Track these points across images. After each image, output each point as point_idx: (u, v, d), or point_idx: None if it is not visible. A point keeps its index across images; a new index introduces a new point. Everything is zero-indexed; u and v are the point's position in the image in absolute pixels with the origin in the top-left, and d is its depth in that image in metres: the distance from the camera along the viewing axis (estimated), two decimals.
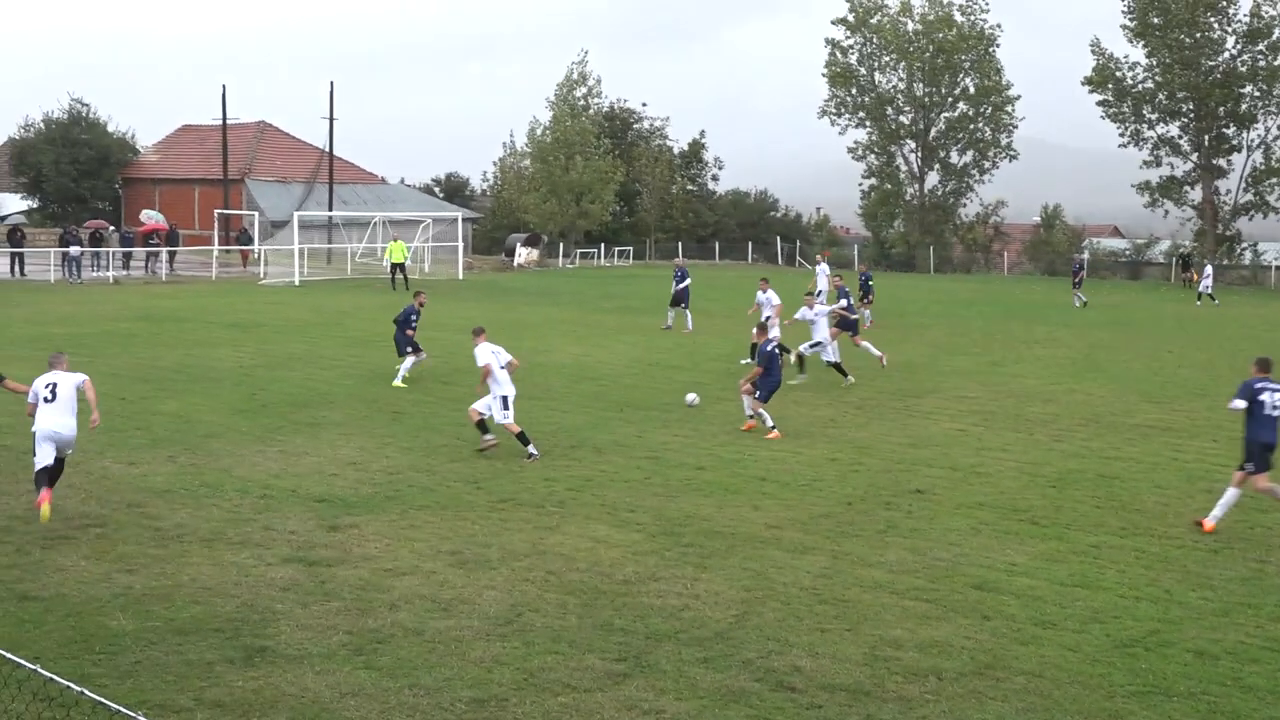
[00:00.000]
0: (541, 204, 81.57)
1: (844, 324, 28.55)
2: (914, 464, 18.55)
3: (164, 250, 56.01)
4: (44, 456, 14.16)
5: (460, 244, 63.28)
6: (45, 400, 14.36)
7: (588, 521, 14.68)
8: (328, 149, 71.83)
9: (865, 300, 39.21)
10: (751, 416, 20.98)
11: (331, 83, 68.15)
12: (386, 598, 11.65)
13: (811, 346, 26.67)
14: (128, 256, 55.46)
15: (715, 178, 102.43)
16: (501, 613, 11.34)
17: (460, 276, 59.55)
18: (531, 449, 18.03)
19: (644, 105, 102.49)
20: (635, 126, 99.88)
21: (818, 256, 55.97)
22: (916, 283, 67.66)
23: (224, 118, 71.37)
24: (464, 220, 70.12)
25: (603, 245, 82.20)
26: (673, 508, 15.46)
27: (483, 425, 18.40)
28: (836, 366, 26.43)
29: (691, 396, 23.55)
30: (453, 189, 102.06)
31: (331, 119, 69.53)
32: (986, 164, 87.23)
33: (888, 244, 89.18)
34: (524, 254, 73.40)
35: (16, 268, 51.78)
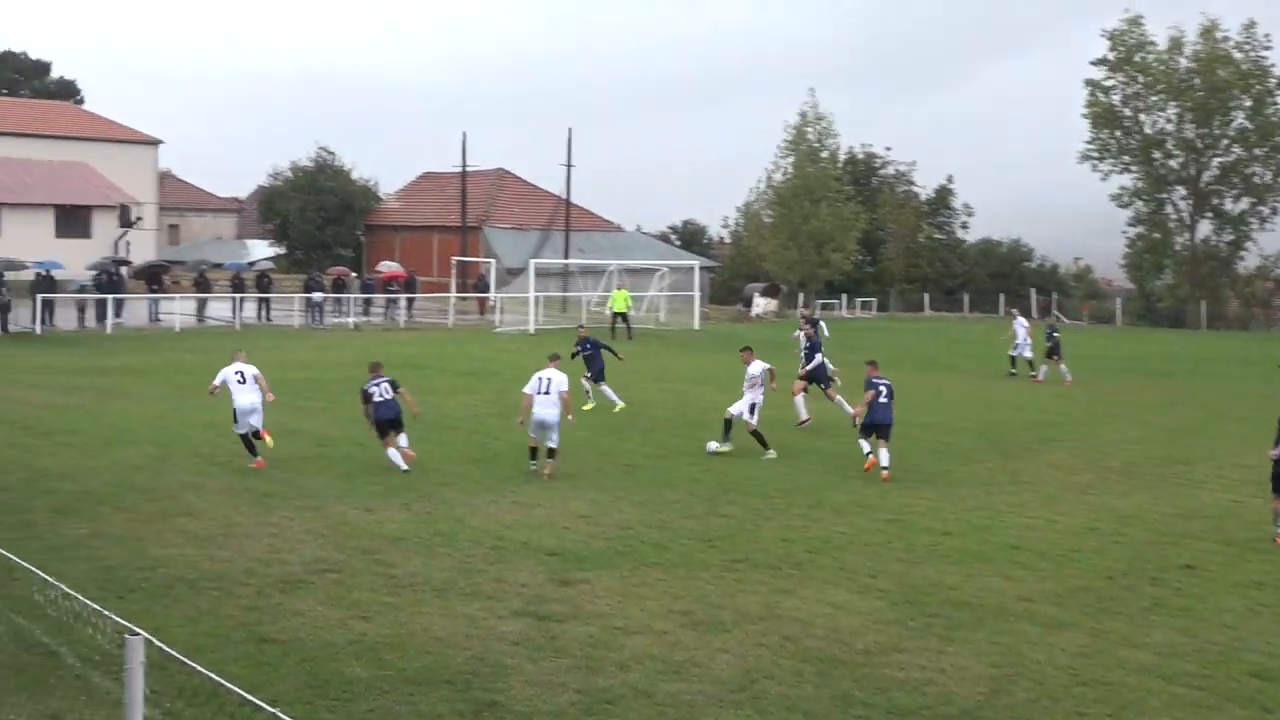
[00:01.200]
0: (781, 252, 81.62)
1: (815, 376, 28.16)
2: (1183, 536, 17.73)
3: (403, 297, 58.31)
4: (243, 426, 20.90)
5: (697, 293, 63.66)
6: (238, 383, 20.89)
7: (826, 586, 14.52)
8: (565, 196, 73.77)
9: (1052, 356, 38.74)
10: (870, 453, 21.81)
11: (569, 129, 70.07)
12: (617, 656, 11.75)
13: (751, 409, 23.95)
14: (368, 303, 57.93)
15: (964, 225, 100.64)
16: (734, 678, 11.29)
17: (696, 326, 60.04)
18: (531, 464, 20.96)
19: (888, 150, 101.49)
20: (880, 171, 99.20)
21: (1013, 310, 55.25)
22: (1187, 340, 64.91)
23: (463, 165, 74.12)
24: (701, 269, 70.56)
25: (844, 296, 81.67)
26: (917, 574, 15.16)
27: (534, 452, 21.03)
28: (756, 435, 23.61)
29: (713, 445, 23.76)
30: (690, 236, 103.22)
31: (569, 165, 71.42)
32: (1266, 211, 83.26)
33: (1154, 297, 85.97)
34: (762, 304, 73.51)
35: (263, 312, 54.81)
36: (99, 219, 70.94)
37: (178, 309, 51.18)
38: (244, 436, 20.98)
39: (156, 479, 19.36)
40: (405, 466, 20.60)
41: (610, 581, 14.37)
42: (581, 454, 22.91)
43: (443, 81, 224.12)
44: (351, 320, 54.68)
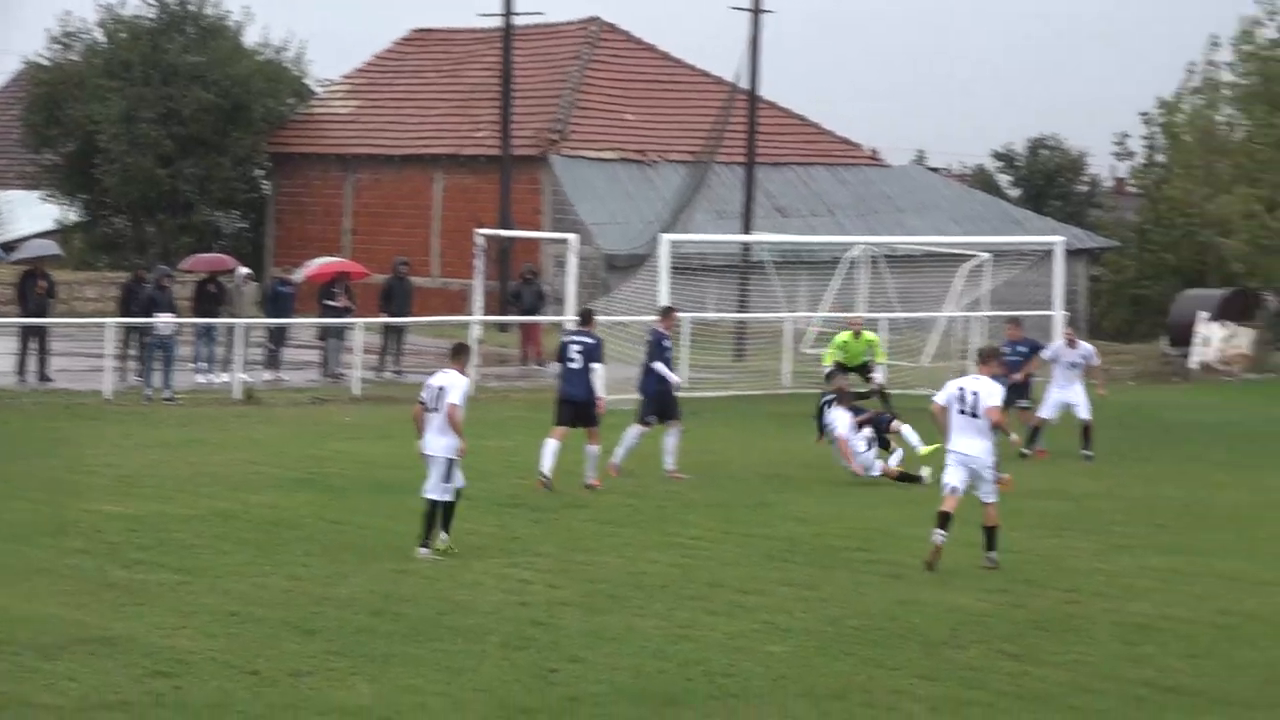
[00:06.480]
0: (1263, 212, 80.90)
1: None
2: None
3: (359, 322, 58.76)
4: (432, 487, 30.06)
5: (1059, 314, 62.64)
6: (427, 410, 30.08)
7: None
8: (745, 82, 74.01)
9: None
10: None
11: None
12: None
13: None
14: (279, 338, 58.50)
15: None
16: None
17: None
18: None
19: None
20: None
21: None
22: None
23: (506, 11, 74.85)
24: (1070, 253, 69.88)
25: None
26: None
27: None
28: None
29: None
30: (1045, 177, 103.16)
31: (758, 10, 71.74)
32: None
33: None
34: (1218, 338, 72.99)
35: (33, 359, 55.45)
36: None
37: None
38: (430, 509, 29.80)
39: None
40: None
41: None
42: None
43: None
44: (238, 378, 55.17)
